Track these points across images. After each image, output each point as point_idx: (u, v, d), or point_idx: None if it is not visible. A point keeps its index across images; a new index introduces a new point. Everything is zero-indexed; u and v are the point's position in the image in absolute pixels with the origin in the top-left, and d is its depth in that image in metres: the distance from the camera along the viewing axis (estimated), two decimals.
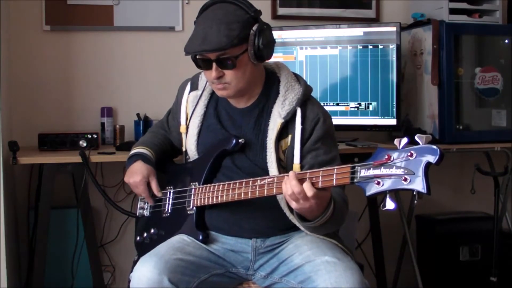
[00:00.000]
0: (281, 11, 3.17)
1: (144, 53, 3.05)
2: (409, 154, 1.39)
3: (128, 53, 3.03)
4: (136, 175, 1.96)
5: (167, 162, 2.12)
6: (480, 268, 3.03)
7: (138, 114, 2.92)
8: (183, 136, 2.02)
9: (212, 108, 1.96)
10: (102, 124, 2.92)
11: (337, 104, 2.87)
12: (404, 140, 1.42)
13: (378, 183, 1.43)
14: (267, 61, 1.89)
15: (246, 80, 1.84)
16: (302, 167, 1.82)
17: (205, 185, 1.88)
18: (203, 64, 1.82)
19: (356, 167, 1.48)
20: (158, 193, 1.99)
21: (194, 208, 1.90)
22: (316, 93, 2.72)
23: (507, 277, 3.07)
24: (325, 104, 2.84)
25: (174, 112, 2.10)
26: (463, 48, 2.95)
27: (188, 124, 1.99)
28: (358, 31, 2.85)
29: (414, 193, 1.38)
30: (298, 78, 1.93)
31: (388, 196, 1.42)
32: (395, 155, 1.42)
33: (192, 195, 1.91)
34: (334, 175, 1.54)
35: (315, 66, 2.89)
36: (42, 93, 2.94)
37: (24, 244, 2.89)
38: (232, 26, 1.75)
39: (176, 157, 2.18)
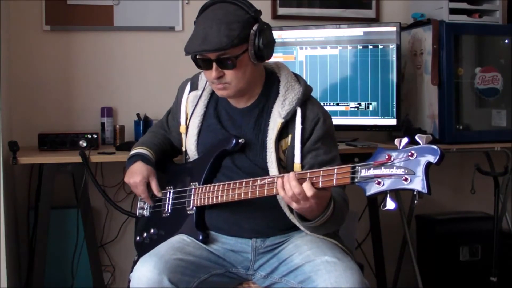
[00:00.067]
0: (281, 11, 3.17)
1: (144, 53, 3.05)
2: (409, 154, 1.39)
3: (128, 53, 3.03)
4: (136, 175, 1.96)
5: (167, 162, 2.11)
6: (480, 268, 3.03)
7: (138, 114, 2.92)
8: (183, 136, 2.02)
9: (212, 108, 1.96)
10: (102, 124, 2.92)
11: (337, 104, 2.87)
12: (405, 140, 1.42)
13: (379, 183, 1.43)
14: (267, 61, 1.89)
15: (246, 80, 1.84)
16: (302, 167, 1.82)
17: (205, 185, 1.88)
18: (203, 64, 1.82)
19: (357, 167, 1.48)
20: (158, 193, 1.99)
21: (194, 208, 1.90)
22: (316, 93, 2.72)
23: (507, 277, 3.07)
24: (325, 104, 2.84)
25: (174, 112, 2.10)
26: (463, 48, 2.95)
27: (188, 124, 1.99)
28: (358, 31, 2.85)
29: (415, 193, 1.38)
30: (298, 78, 1.93)
31: (388, 196, 1.42)
32: (395, 155, 1.42)
33: (192, 195, 1.91)
34: (335, 175, 1.54)
35: (315, 66, 2.89)
36: (42, 93, 2.94)
37: (24, 244, 2.89)
38: (233, 26, 1.75)
39: (176, 157, 2.18)
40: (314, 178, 1.58)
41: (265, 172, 1.83)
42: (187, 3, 3.06)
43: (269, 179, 1.71)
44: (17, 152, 2.44)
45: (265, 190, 1.71)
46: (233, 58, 1.77)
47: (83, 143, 2.64)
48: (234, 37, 1.74)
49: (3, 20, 2.55)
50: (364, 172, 1.46)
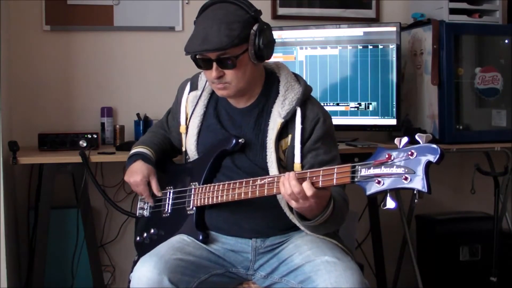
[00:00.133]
0: (281, 11, 3.17)
1: (144, 53, 3.05)
2: (409, 153, 1.39)
3: (128, 53, 3.03)
4: (137, 174, 1.96)
5: (167, 162, 2.11)
6: (480, 268, 3.03)
7: (138, 114, 2.92)
8: (183, 136, 2.02)
9: (212, 108, 1.96)
10: (102, 124, 2.92)
11: (337, 104, 2.87)
12: (405, 139, 1.42)
13: (379, 182, 1.43)
14: (266, 61, 1.89)
15: (246, 80, 1.84)
16: (302, 167, 1.82)
17: (205, 185, 1.88)
18: (203, 64, 1.82)
19: (357, 166, 1.48)
20: (158, 193, 1.99)
21: (194, 208, 1.90)
22: (316, 93, 2.72)
23: (507, 277, 3.07)
24: (325, 104, 2.84)
25: (174, 112, 2.10)
26: (463, 48, 2.95)
27: (188, 124, 1.99)
28: (358, 31, 2.85)
29: (415, 192, 1.38)
30: (298, 78, 1.93)
31: (388, 195, 1.42)
32: (395, 154, 1.42)
33: (192, 195, 1.91)
34: (335, 174, 1.54)
35: (315, 66, 2.89)
36: (42, 93, 2.94)
37: (24, 244, 2.89)
38: (233, 26, 1.75)
39: (176, 157, 2.18)
40: (314, 178, 1.58)
41: (265, 172, 1.83)
42: (187, 3, 3.06)
43: (269, 179, 1.71)
44: (17, 152, 2.44)
45: (265, 190, 1.71)
46: (233, 58, 1.77)
47: (83, 143, 2.64)
48: (235, 37, 1.74)
49: (3, 20, 2.55)
50: (364, 172, 1.46)
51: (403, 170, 1.39)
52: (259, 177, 1.73)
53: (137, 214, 2.10)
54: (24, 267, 2.86)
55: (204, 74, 1.90)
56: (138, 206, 2.10)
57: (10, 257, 2.56)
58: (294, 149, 1.83)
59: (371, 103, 2.84)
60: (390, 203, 1.42)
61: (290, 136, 1.85)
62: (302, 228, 1.80)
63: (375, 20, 3.26)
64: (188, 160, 2.01)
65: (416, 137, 1.39)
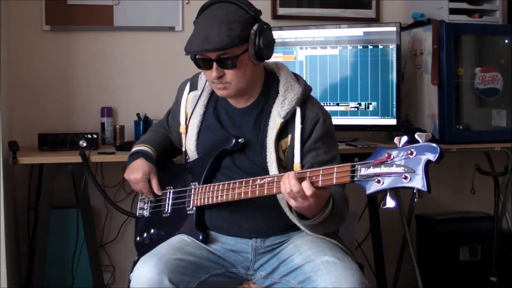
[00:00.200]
0: (281, 11, 3.17)
1: (144, 53, 3.05)
2: (409, 152, 1.39)
3: (128, 53, 3.04)
4: (137, 172, 1.96)
5: (167, 162, 2.11)
6: (480, 268, 3.02)
7: (138, 114, 2.92)
8: (183, 136, 2.02)
9: (211, 108, 1.97)
10: (102, 124, 2.92)
11: (337, 104, 2.87)
12: (404, 138, 1.42)
13: (378, 182, 1.43)
14: (266, 61, 1.89)
15: (246, 80, 1.84)
16: (302, 167, 1.82)
17: (205, 185, 1.88)
18: (203, 63, 1.82)
19: (356, 166, 1.48)
20: (158, 192, 1.99)
21: (194, 208, 1.90)
22: (316, 93, 2.72)
23: (507, 277, 3.06)
24: (325, 104, 2.84)
25: (173, 112, 2.10)
26: (463, 48, 2.95)
27: (188, 124, 1.99)
28: (358, 31, 2.85)
29: (415, 191, 1.38)
30: (297, 78, 1.93)
31: (388, 194, 1.42)
32: (395, 153, 1.42)
33: (192, 195, 1.91)
34: (334, 173, 1.53)
35: (315, 66, 2.89)
36: (42, 93, 2.94)
37: (24, 244, 2.89)
38: (233, 26, 1.75)
39: (176, 157, 2.18)
40: (314, 177, 1.58)
41: (265, 172, 1.83)
42: (187, 3, 3.06)
43: (269, 179, 1.71)
44: (17, 152, 2.44)
45: (265, 190, 1.71)
46: (233, 57, 1.77)
47: (83, 143, 2.64)
48: (235, 37, 1.74)
49: (3, 20, 2.55)
50: (363, 171, 1.46)
51: (402, 169, 1.39)
52: (259, 177, 1.73)
53: (137, 214, 2.10)
54: (24, 267, 2.86)
55: (204, 74, 1.90)
56: (138, 206, 2.10)
57: (10, 257, 2.56)
58: (294, 149, 1.83)
59: (371, 103, 2.84)
60: (390, 202, 1.42)
61: (290, 136, 1.85)
62: (301, 227, 1.80)
63: (375, 20, 3.26)
64: (188, 160, 2.01)
65: (416, 136, 1.39)
